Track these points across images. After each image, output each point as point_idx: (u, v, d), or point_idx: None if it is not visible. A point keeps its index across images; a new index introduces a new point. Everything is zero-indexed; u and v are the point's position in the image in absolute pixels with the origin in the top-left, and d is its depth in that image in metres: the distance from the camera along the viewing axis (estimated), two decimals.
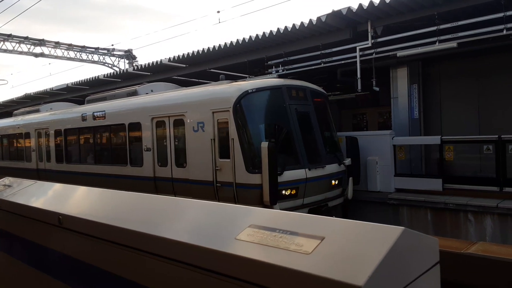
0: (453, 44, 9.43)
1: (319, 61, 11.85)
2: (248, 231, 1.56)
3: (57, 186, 3.34)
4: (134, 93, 11.80)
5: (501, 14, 8.71)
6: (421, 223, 9.25)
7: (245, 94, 8.03)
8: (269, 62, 12.76)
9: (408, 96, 11.40)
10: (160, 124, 9.71)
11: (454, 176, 9.58)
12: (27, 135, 15.78)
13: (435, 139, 9.74)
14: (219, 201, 8.02)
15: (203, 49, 13.31)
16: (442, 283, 4.70)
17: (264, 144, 7.24)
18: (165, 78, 15.00)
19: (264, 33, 11.72)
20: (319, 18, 10.62)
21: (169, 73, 15.46)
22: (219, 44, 12.79)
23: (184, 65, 14.79)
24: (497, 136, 8.84)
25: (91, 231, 2.18)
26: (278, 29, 11.45)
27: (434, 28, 9.66)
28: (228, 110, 7.99)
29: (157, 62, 14.94)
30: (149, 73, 16.30)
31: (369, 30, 10.56)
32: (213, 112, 8.32)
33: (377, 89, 11.29)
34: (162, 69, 15.53)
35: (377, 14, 10.14)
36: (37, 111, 16.57)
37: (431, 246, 1.39)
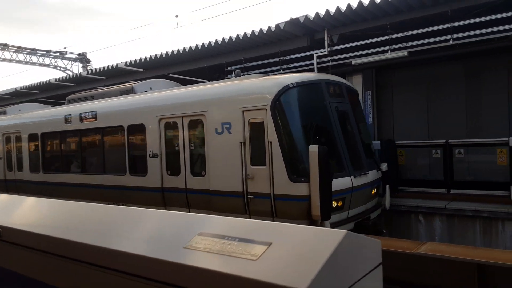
0: (404, 53, 9.91)
1: (278, 67, 12.04)
2: (197, 239, 1.54)
3: (0, 196, 3.15)
4: (130, 91, 10.32)
5: (448, 25, 9.27)
6: None
7: (286, 90, 6.86)
8: (228, 68, 12.79)
9: (363, 102, 11.82)
10: (170, 125, 8.38)
11: (406, 179, 10.02)
12: None
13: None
14: (250, 215, 6.99)
15: (161, 53, 13.12)
16: (394, 282, 4.83)
17: (314, 148, 6.17)
18: (121, 83, 14.65)
19: (223, 38, 11.75)
20: (277, 26, 10.81)
21: (125, 77, 15.06)
22: (178, 49, 12.67)
23: (142, 70, 14.49)
24: (444, 140, 9.37)
25: (32, 243, 2.07)
26: (237, 35, 11.52)
27: (387, 37, 10.11)
28: (265, 108, 6.83)
29: (112, 66, 14.53)
30: (104, 77, 15.81)
31: (325, 38, 10.89)
32: (243, 111, 7.11)
33: None
34: (118, 73, 15.13)
35: (333, 23, 10.47)
36: (4, 113, 14.68)
37: (373, 248, 1.43)
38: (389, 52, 10.22)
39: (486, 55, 10.41)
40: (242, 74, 8.94)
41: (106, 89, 11.48)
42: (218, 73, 13.39)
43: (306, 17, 10.38)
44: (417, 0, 9.09)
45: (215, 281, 1.31)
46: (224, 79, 10.35)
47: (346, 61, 11.08)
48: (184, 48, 12.54)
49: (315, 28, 10.93)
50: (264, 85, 7.22)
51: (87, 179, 10.19)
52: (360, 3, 9.51)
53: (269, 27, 10.99)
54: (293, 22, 10.66)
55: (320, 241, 1.31)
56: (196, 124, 7.95)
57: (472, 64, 10.86)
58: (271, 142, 6.75)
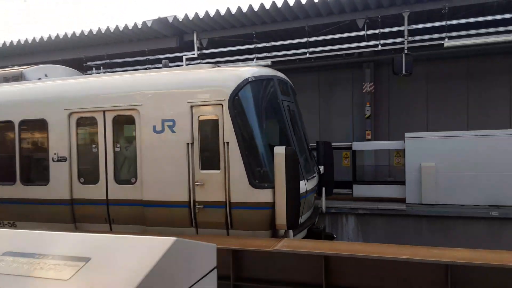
0: (268, 62, 10.54)
1: (145, 66, 11.54)
2: (0, 261, 1.25)
3: None
4: (19, 78, 8.36)
5: (305, 39, 10.19)
6: None
7: (245, 84, 6.08)
8: (88, 63, 11.73)
9: None
10: (86, 122, 6.97)
11: None
12: None
13: None
14: (197, 228, 6.18)
15: (5, 42, 11.31)
16: (252, 280, 4.96)
17: (280, 150, 5.67)
18: None
19: (82, 31, 10.74)
20: (144, 23, 10.38)
21: None
22: (26, 38, 11.11)
23: None
24: None
25: None
26: (99, 28, 10.67)
27: (252, 46, 10.60)
28: (221, 104, 5.97)
29: None
30: None
31: (195, 41, 10.87)
32: (191, 106, 6.17)
33: None
34: None
35: (203, 26, 10.54)
36: None
37: (207, 253, 1.37)
38: (254, 60, 10.74)
39: (336, 69, 11.81)
40: (170, 65, 7.88)
41: None
42: (75, 68, 12.17)
43: (175, 17, 10.21)
44: (280, 14, 9.78)
45: None
46: (154, 68, 8.73)
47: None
48: (34, 38, 11.06)
49: (185, 30, 10.83)
50: (219, 77, 6.34)
51: None
52: (228, 10, 9.77)
53: (135, 24, 10.47)
54: (161, 21, 10.38)
55: (146, 250, 1.18)
56: (124, 120, 6.76)
57: (325, 77, 12.18)
58: (227, 142, 5.98)
